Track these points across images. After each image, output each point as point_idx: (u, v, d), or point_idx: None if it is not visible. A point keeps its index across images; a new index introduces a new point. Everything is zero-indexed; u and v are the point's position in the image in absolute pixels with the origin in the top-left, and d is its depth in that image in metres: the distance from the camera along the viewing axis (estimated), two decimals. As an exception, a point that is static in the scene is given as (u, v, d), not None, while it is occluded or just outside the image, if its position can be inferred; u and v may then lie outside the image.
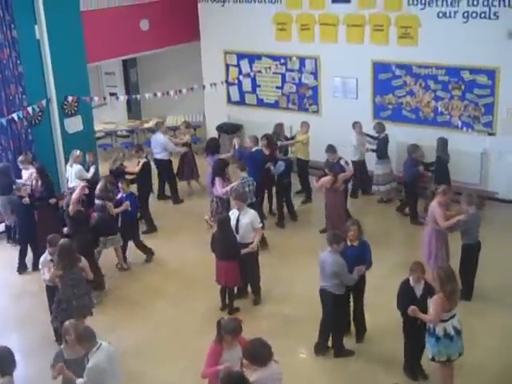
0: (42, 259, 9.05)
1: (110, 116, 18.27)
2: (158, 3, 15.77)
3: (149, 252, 11.60)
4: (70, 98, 13.50)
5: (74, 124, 13.79)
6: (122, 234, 11.09)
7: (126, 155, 14.20)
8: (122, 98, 15.90)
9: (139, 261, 11.56)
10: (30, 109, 12.80)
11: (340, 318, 8.69)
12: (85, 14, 13.65)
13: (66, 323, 7.27)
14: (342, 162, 11.93)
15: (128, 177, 12.33)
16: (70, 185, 12.05)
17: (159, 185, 14.11)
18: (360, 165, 13.49)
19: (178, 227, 12.89)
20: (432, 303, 7.42)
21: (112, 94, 17.55)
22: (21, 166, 12.26)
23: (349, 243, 8.64)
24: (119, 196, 11.17)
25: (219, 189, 11.45)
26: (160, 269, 11.39)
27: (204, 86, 15.22)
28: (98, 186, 10.85)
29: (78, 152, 12.46)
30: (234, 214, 9.83)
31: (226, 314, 9.35)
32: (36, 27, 12.87)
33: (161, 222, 12.90)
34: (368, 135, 13.55)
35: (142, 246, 11.54)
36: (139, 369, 8.57)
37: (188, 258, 11.56)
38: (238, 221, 9.69)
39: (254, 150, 12.42)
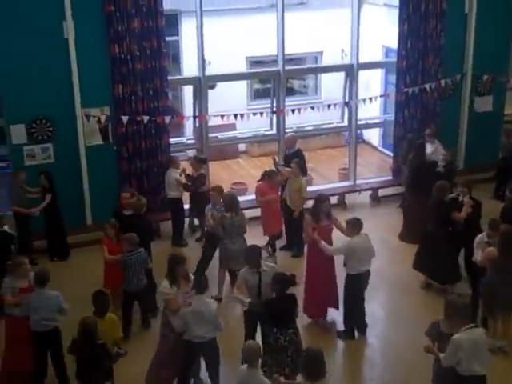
0: (477, 239, 8.68)
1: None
2: None
3: None
4: (485, 77, 13.10)
5: (484, 104, 13.46)
6: None
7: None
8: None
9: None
10: (442, 81, 12.81)
11: None
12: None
13: None
14: None
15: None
16: None
17: None
18: None
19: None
20: None
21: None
22: (426, 139, 12.12)
23: None
24: None
25: None
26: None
27: None
28: None
29: None
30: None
31: None
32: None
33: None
34: None
35: None
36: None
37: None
38: None
39: None
